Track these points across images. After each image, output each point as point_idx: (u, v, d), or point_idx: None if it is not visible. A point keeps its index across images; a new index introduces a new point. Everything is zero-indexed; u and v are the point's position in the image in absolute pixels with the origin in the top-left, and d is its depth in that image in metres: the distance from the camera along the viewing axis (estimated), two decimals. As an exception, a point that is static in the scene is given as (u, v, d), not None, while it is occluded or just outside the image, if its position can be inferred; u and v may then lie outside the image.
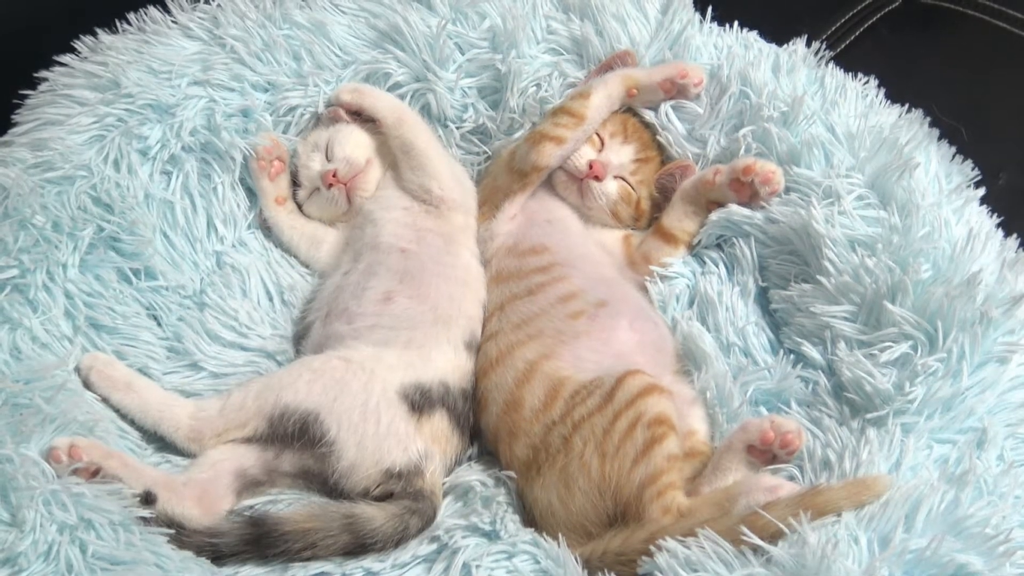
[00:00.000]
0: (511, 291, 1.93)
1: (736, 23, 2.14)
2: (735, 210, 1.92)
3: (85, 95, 1.96)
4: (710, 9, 2.14)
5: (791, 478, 1.64)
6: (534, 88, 2.11)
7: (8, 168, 1.85)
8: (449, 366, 1.85)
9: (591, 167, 1.98)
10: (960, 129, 1.99)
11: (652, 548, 1.53)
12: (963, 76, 2.41)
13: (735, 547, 1.48)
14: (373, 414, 1.74)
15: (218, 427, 1.76)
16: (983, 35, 2.46)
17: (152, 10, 2.10)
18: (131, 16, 2.09)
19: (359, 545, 1.64)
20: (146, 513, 1.58)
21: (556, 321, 1.85)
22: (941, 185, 1.85)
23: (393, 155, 2.06)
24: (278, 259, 2.09)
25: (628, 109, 2.07)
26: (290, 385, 1.76)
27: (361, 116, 2.07)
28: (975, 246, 1.72)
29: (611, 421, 1.68)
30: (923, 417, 1.60)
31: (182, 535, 1.61)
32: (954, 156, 1.93)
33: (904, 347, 1.66)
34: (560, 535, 1.63)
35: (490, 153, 2.17)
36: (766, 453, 1.68)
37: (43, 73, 2.01)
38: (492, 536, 1.65)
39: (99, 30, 2.06)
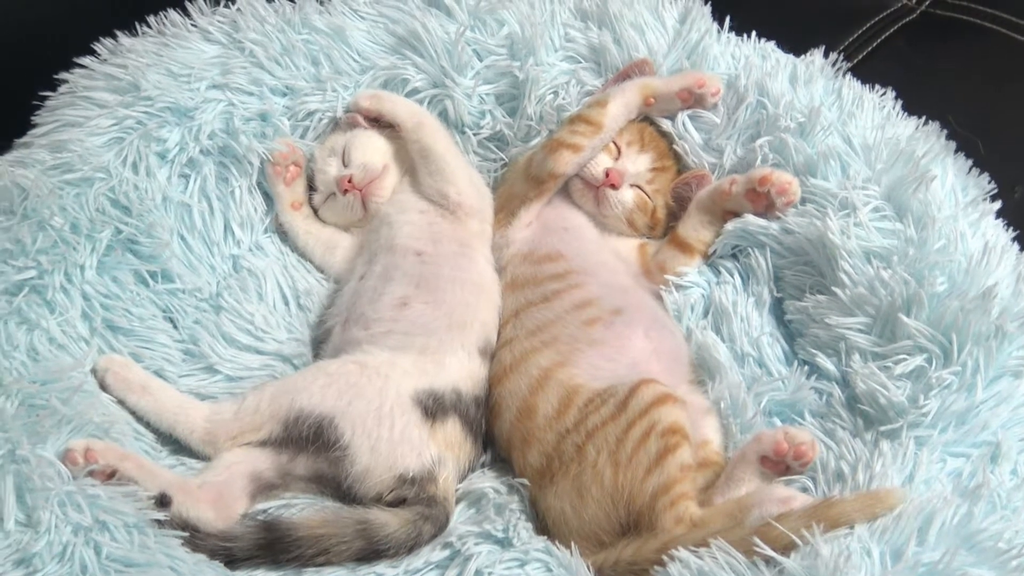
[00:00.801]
0: (526, 298, 1.93)
1: (754, 33, 2.14)
2: (751, 220, 1.91)
3: (105, 97, 1.97)
4: (728, 19, 2.14)
5: (804, 490, 1.63)
6: (551, 96, 2.11)
7: (27, 169, 1.85)
8: (463, 372, 1.85)
9: (607, 175, 1.98)
10: (977, 142, 1.98)
11: (664, 558, 1.53)
12: (981, 89, 2.40)
13: (747, 558, 1.47)
14: (387, 419, 1.74)
15: (232, 430, 1.77)
16: (1002, 48, 2.44)
17: (172, 13, 2.11)
18: (151, 19, 2.10)
19: (372, 551, 1.64)
20: (160, 516, 1.58)
21: (571, 328, 1.85)
22: (957, 198, 1.85)
23: (411, 159, 2.06)
24: (295, 263, 2.09)
25: (645, 118, 2.07)
26: (305, 389, 1.77)
27: (380, 122, 2.07)
28: (991, 259, 1.72)
29: (624, 430, 1.68)
30: (937, 430, 1.60)
31: (196, 538, 1.61)
32: (970, 169, 1.92)
33: (919, 360, 1.66)
34: (572, 543, 1.63)
35: (507, 160, 2.17)
36: (779, 464, 1.67)
37: (63, 75, 2.02)
38: (505, 543, 1.65)
39: (119, 33, 2.07)
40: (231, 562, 1.61)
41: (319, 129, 2.12)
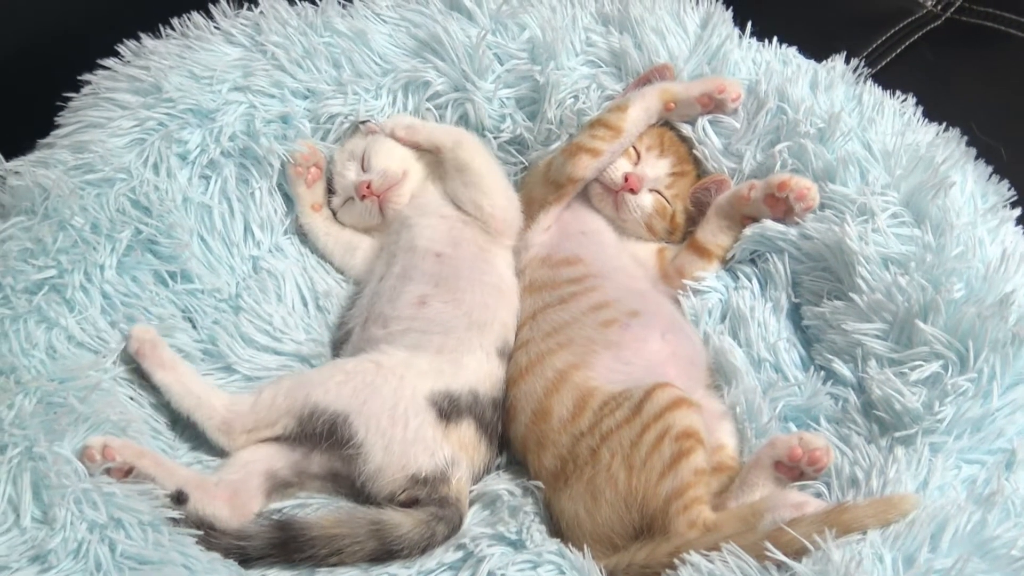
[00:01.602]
0: (543, 301, 1.93)
1: (775, 39, 2.14)
2: (769, 226, 1.91)
3: (127, 99, 1.98)
4: (749, 24, 2.14)
5: (818, 495, 1.63)
6: (572, 100, 2.11)
7: (49, 169, 1.87)
8: (481, 372, 1.85)
9: (627, 180, 1.99)
10: (999, 149, 1.97)
11: (676, 562, 1.53)
12: (1005, 96, 2.38)
13: (759, 563, 1.47)
14: (401, 419, 1.74)
15: (248, 423, 1.78)
16: (1027, 55, 2.44)
17: (195, 16, 2.12)
18: (174, 21, 2.11)
19: (386, 551, 1.64)
20: (176, 513, 1.60)
21: (588, 329, 1.85)
22: (976, 205, 1.84)
23: (434, 165, 2.07)
24: (314, 264, 2.10)
25: (665, 123, 2.07)
26: (321, 384, 1.77)
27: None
28: (1009, 266, 1.71)
29: (639, 433, 1.68)
30: (952, 437, 1.59)
31: (210, 536, 1.62)
32: (991, 176, 1.91)
33: (935, 366, 1.65)
34: (586, 546, 1.63)
35: (527, 164, 2.17)
36: (794, 470, 1.67)
37: (86, 76, 2.03)
38: (518, 545, 1.65)
39: (142, 34, 2.08)
40: (245, 561, 1.62)
41: (340, 132, 2.12)
